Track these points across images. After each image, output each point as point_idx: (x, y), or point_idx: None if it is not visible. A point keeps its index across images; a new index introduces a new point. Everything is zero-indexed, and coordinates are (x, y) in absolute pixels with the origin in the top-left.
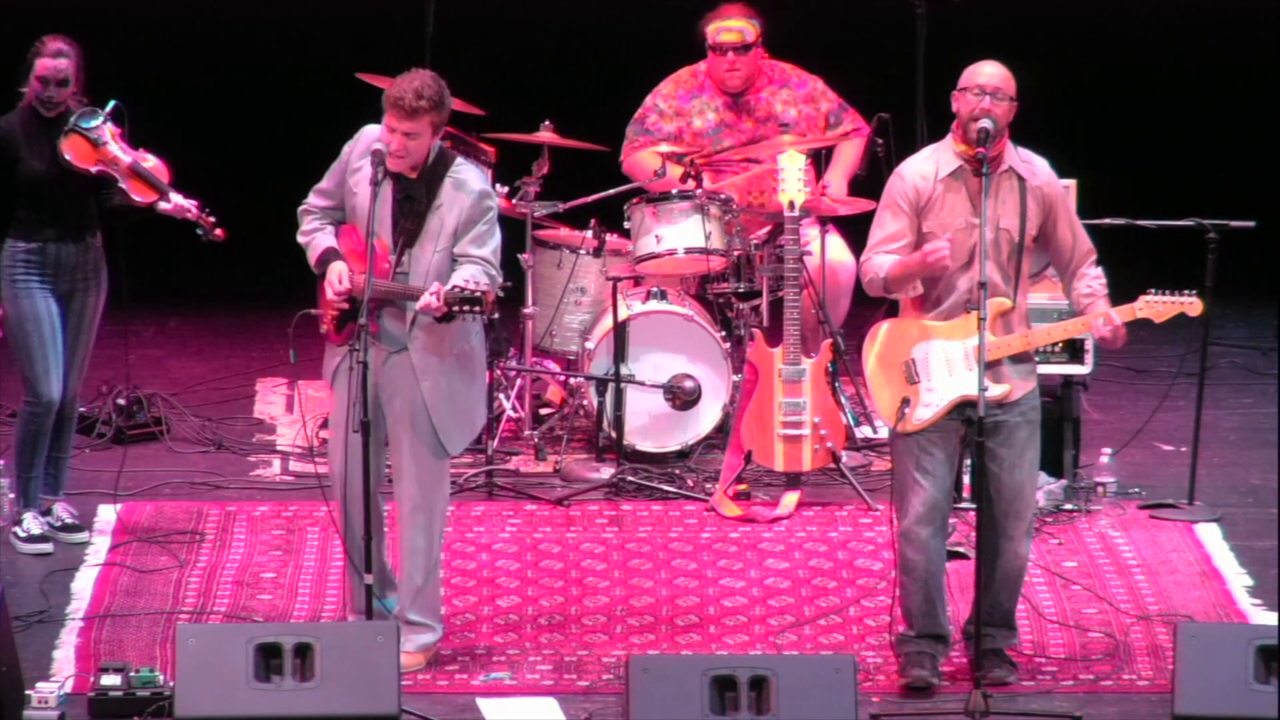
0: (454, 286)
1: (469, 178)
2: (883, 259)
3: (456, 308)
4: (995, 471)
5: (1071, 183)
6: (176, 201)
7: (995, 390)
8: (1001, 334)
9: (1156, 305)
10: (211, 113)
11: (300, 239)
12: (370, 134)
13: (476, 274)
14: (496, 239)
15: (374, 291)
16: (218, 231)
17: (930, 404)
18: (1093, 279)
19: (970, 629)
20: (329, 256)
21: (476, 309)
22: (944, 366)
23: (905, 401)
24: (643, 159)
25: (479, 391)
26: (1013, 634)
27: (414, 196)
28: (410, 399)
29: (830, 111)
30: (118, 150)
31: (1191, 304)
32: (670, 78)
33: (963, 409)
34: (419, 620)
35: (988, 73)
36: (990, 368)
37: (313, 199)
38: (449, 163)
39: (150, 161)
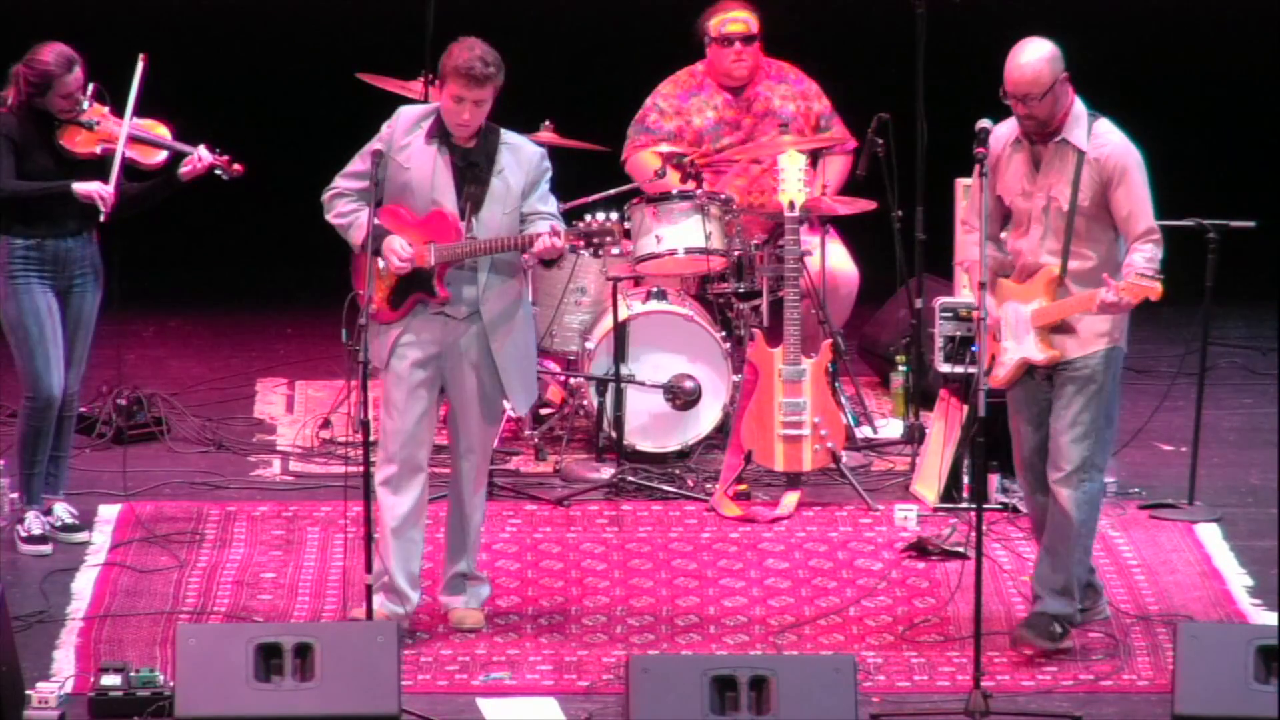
0: (578, 222)
1: (523, 142)
2: (976, 255)
3: (589, 240)
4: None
5: None
6: (183, 149)
7: (1041, 355)
8: (1054, 300)
9: (1135, 287)
10: (210, 113)
11: (336, 220)
12: (408, 113)
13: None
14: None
15: (452, 255)
16: (236, 167)
17: (1004, 364)
18: (1136, 253)
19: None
20: (379, 232)
21: (609, 239)
22: (1011, 328)
23: (993, 358)
24: (643, 159)
25: (536, 355)
26: (1097, 596)
27: (477, 162)
28: (480, 365)
29: (821, 114)
30: (112, 125)
31: (1152, 287)
32: (669, 79)
33: (1042, 369)
34: (477, 574)
35: (1013, 79)
36: (1041, 331)
37: (342, 183)
38: (498, 131)
39: (156, 129)
